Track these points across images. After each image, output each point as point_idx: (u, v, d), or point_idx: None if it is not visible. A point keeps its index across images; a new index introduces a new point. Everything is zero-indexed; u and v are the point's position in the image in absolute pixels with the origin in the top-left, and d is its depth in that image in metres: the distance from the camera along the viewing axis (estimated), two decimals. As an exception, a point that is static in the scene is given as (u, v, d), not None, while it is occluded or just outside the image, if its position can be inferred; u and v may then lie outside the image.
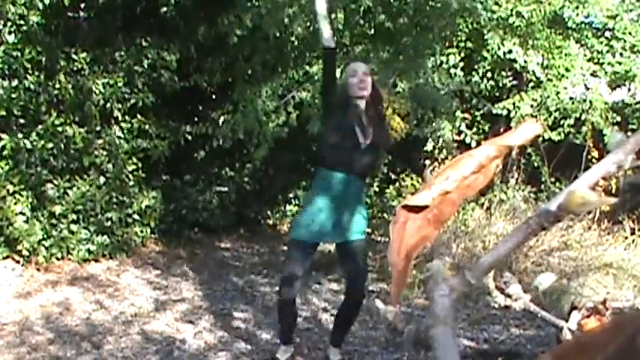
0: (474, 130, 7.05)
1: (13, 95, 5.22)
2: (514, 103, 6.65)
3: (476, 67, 7.04)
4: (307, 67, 6.42)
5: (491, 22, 5.83)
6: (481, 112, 7.10)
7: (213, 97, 6.69)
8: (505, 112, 6.69)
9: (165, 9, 5.82)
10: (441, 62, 6.65)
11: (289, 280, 3.54)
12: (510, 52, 5.99)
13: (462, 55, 6.91)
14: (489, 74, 7.06)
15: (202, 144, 6.26)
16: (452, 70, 6.64)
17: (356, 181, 3.52)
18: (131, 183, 5.81)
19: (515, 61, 6.13)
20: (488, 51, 6.38)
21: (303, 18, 5.72)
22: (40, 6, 5.07)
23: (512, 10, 5.89)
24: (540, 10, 5.88)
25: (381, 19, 6.12)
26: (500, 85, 7.06)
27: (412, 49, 5.94)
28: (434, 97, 5.98)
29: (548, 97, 6.46)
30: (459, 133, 6.54)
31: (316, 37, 6.47)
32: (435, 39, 5.99)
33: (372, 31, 6.38)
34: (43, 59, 5.35)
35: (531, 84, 6.85)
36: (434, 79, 6.13)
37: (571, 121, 6.67)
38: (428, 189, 0.77)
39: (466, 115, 7.04)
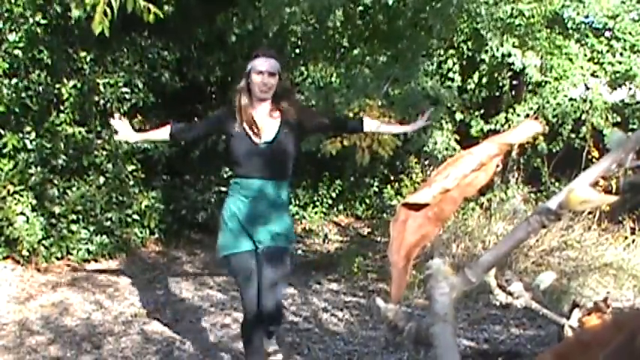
0: (474, 129, 7.04)
1: (14, 94, 5.22)
2: (506, 117, 6.63)
3: (474, 69, 7.03)
4: (303, 69, 6.42)
5: (491, 23, 5.82)
6: (478, 116, 7.07)
7: (213, 97, 6.69)
8: (499, 127, 6.64)
9: (166, 8, 5.82)
10: (440, 63, 6.64)
11: None
12: (509, 55, 5.97)
13: (461, 56, 6.90)
14: (488, 76, 7.05)
15: (200, 144, 6.25)
16: (449, 75, 6.63)
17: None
18: (131, 183, 5.81)
19: (513, 64, 6.13)
20: (486, 52, 6.37)
21: (302, 17, 5.72)
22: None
23: (512, 9, 5.88)
24: (540, 9, 5.87)
25: (379, 19, 6.12)
26: (500, 85, 7.05)
27: (410, 53, 5.92)
28: (425, 109, 5.95)
29: (547, 102, 6.45)
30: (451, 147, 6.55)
31: (315, 37, 6.49)
32: (433, 41, 5.97)
33: (370, 33, 6.38)
34: (44, 58, 5.36)
35: (530, 86, 6.84)
36: (428, 88, 6.10)
37: (569, 126, 6.65)
38: (428, 187, 0.77)
39: (463, 116, 7.03)
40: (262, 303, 3.27)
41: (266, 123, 3.29)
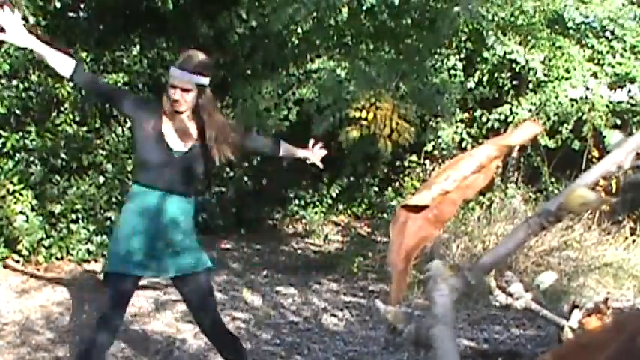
0: (475, 130, 7.04)
1: (14, 94, 5.23)
2: (511, 109, 6.63)
3: (475, 68, 7.02)
4: (308, 65, 6.41)
5: (493, 22, 5.82)
6: (480, 114, 7.07)
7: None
8: (502, 118, 6.66)
9: (166, 7, 5.81)
10: (442, 61, 6.63)
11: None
12: (512, 52, 5.97)
13: (462, 55, 6.90)
14: (489, 76, 7.05)
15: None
16: (452, 72, 6.62)
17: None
18: (131, 183, 5.81)
19: (516, 61, 6.12)
20: (488, 50, 6.36)
21: (304, 14, 5.71)
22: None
23: (513, 9, 5.87)
24: (542, 9, 5.86)
25: (384, 17, 6.11)
26: (501, 85, 7.05)
27: (415, 50, 5.92)
28: (436, 101, 5.94)
29: (547, 100, 6.45)
30: (461, 140, 6.53)
31: (318, 33, 6.47)
32: (436, 40, 5.96)
33: (375, 30, 6.37)
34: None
35: (531, 85, 6.84)
36: (436, 82, 6.10)
37: (569, 126, 6.64)
38: (428, 189, 0.77)
39: (466, 115, 7.03)
40: (205, 331, 3.24)
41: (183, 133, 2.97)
